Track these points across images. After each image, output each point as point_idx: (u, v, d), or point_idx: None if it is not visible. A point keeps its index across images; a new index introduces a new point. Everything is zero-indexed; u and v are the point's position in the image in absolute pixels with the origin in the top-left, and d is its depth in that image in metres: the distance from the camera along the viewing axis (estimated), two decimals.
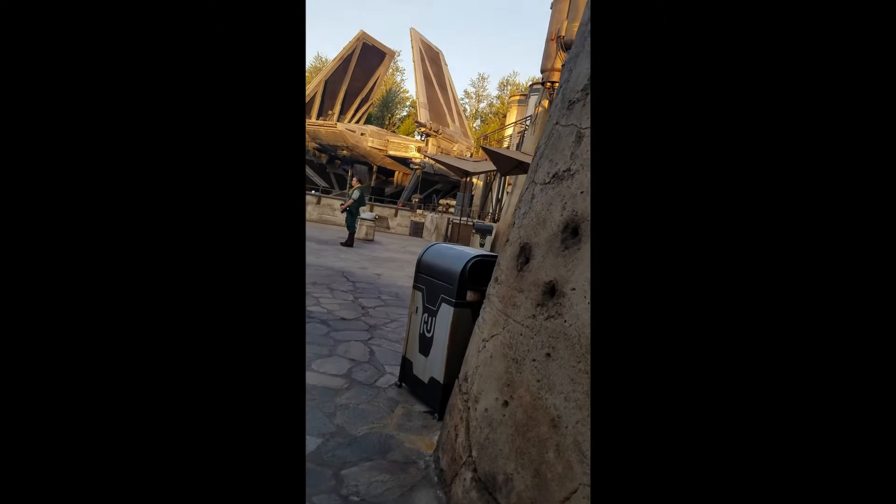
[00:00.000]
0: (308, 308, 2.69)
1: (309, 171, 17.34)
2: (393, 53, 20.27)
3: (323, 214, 14.54)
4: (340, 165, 18.18)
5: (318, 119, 17.64)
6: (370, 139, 15.44)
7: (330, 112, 18.74)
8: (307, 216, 14.18)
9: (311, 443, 1.24)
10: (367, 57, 18.84)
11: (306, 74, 27.13)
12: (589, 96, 0.91)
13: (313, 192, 15.34)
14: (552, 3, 8.99)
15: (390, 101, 28.81)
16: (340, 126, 15.65)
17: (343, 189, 17.08)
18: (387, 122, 26.91)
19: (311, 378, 1.68)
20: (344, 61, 18.26)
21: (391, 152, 15.52)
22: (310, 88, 18.14)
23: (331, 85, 18.45)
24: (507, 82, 30.05)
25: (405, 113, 29.98)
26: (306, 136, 16.78)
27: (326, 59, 28.15)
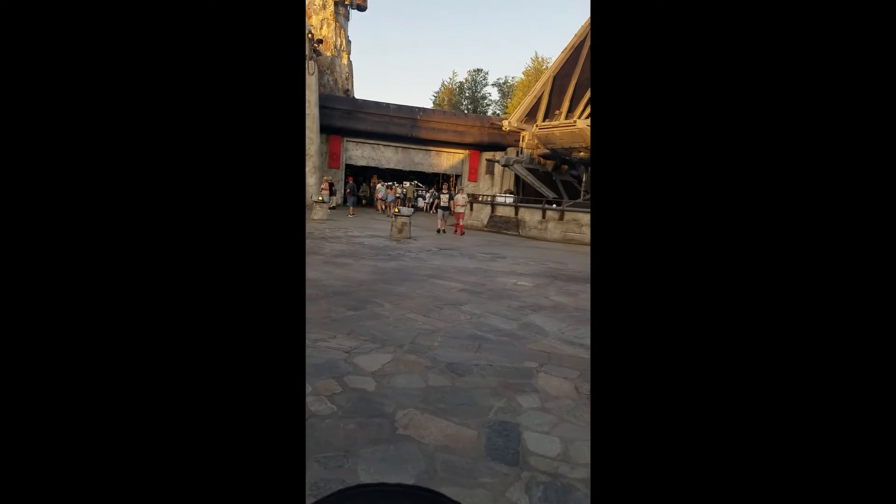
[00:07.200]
0: None
1: (534, 182, 15.74)
2: None
3: (568, 232, 12.05)
4: (568, 171, 16.20)
5: (544, 121, 15.84)
6: None
7: (557, 112, 16.53)
8: (548, 236, 12.11)
9: None
10: None
11: (525, 79, 27.03)
12: None
13: (549, 205, 13.34)
14: None
15: None
16: (581, 123, 13.46)
17: (575, 198, 14.75)
18: None
19: None
20: (574, 50, 15.81)
21: None
22: (537, 88, 16.62)
23: (559, 80, 16.33)
24: None
25: None
26: (535, 141, 15.26)
27: (543, 59, 26.91)
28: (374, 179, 20.76)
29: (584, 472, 1.81)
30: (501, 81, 33.28)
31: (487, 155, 19.37)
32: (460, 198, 13.13)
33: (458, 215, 12.76)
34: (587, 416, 2.31)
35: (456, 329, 3.68)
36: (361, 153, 19.31)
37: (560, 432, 2.13)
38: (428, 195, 21.00)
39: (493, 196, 16.43)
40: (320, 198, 13.47)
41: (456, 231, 12.37)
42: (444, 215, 12.26)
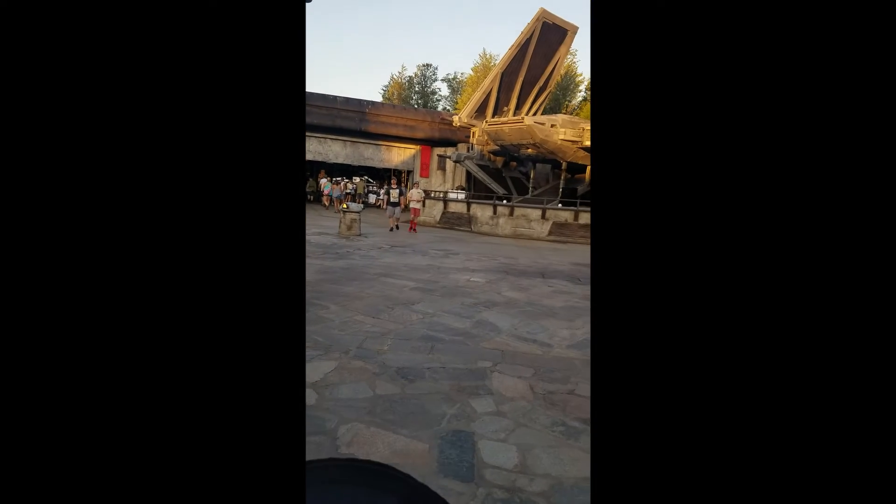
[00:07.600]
0: None
1: (485, 178, 15.88)
2: (576, 29, 17.02)
3: (518, 228, 12.30)
4: (516, 168, 16.30)
5: (493, 118, 15.81)
6: (562, 131, 12.78)
7: (505, 108, 16.80)
8: (499, 232, 12.34)
9: None
10: (546, 38, 16.19)
11: (474, 75, 27.50)
12: None
13: (499, 201, 13.63)
14: None
15: (567, 85, 25.63)
16: (528, 120, 13.41)
17: (524, 194, 14.95)
18: (563, 109, 25.13)
19: None
20: (521, 48, 16.00)
21: (587, 143, 12.39)
22: (485, 85, 16.67)
23: (507, 77, 16.43)
24: None
25: (581, 97, 26.31)
26: (485, 137, 15.28)
27: (491, 56, 27.41)
28: (322, 174, 20.03)
29: (544, 485, 1.70)
30: (451, 77, 33.15)
31: (439, 150, 19.17)
32: (415, 193, 12.64)
33: (415, 211, 12.27)
34: (543, 420, 2.22)
35: (407, 330, 3.50)
36: (307, 147, 18.51)
37: (516, 439, 2.01)
38: (382, 192, 20.53)
39: (446, 192, 16.32)
40: None
41: (410, 227, 12.10)
42: (393, 212, 11.85)
